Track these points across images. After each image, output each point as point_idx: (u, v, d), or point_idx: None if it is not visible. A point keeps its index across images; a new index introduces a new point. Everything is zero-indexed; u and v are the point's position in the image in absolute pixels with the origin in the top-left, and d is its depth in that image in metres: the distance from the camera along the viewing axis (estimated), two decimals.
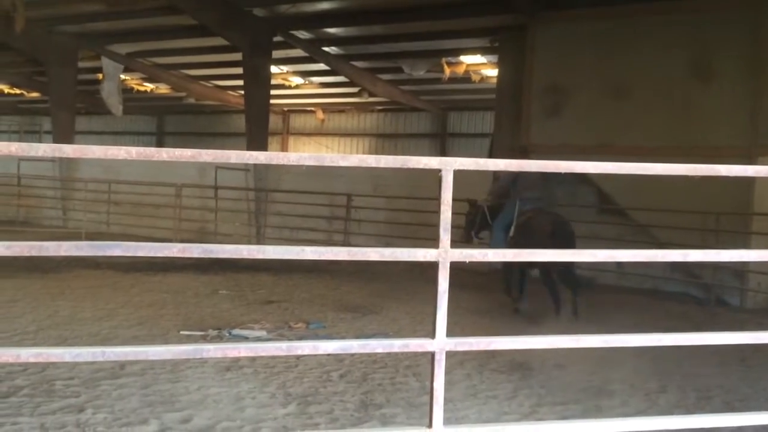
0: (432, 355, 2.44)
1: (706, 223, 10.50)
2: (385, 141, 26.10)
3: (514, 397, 5.10)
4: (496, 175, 9.68)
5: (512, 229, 8.50)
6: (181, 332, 6.76)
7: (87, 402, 4.47)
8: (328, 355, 5.88)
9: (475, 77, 17.58)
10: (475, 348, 2.60)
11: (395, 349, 2.53)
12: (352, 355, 5.94)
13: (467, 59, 16.71)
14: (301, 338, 6.53)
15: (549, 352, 5.60)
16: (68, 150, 2.16)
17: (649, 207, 10.71)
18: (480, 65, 17.13)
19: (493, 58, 15.89)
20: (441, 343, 2.44)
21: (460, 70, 16.92)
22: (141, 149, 2.25)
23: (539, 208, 8.89)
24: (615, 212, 11.76)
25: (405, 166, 2.55)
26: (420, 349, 2.51)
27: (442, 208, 2.50)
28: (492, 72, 16.88)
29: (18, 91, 26.53)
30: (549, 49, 12.45)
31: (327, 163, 2.52)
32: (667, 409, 4.95)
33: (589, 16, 12.04)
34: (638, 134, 11.31)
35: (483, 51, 16.06)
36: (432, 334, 2.46)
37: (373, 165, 2.56)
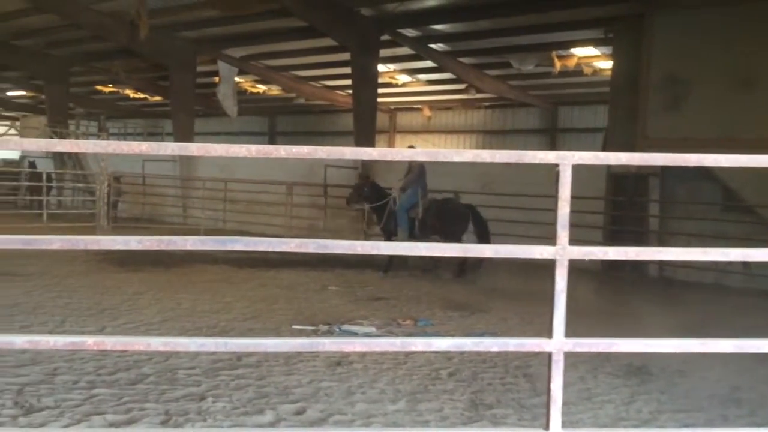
0: (549, 355, 2.37)
1: None
2: (493, 138, 25.77)
3: (631, 402, 4.87)
4: (411, 166, 11.04)
5: (420, 211, 10.68)
6: (293, 326, 6.92)
7: (207, 391, 4.66)
8: (437, 352, 5.87)
9: (587, 70, 17.05)
10: (594, 349, 2.49)
11: (510, 348, 2.46)
12: (461, 353, 5.88)
13: (579, 51, 16.23)
14: (409, 335, 6.54)
15: (670, 357, 5.32)
16: (193, 149, 2.25)
17: None
18: (592, 57, 16.59)
19: (607, 49, 15.34)
20: (559, 344, 2.35)
21: (572, 63, 16.46)
22: (260, 147, 2.31)
23: (449, 197, 11.63)
24: (742, 210, 11.05)
25: (521, 161, 2.48)
26: (537, 349, 2.43)
27: (560, 204, 2.41)
28: (605, 64, 16.31)
29: (142, 96, 28.25)
30: (668, 38, 11.85)
31: (440, 159, 2.49)
32: None
33: (713, 2, 11.37)
34: (766, 127, 10.58)
35: (596, 43, 15.54)
36: (549, 334, 2.38)
37: (488, 160, 2.51)
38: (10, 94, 32.84)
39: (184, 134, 20.00)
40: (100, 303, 7.63)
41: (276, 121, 32.01)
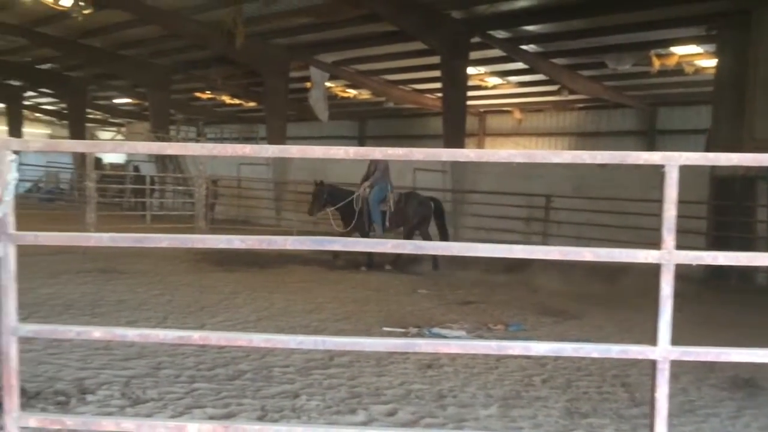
0: (654, 363, 2.27)
1: None
2: (586, 140, 25.07)
3: (738, 417, 4.62)
4: (377, 164, 11.34)
5: (392, 204, 11.30)
6: (384, 328, 6.96)
7: (301, 389, 4.75)
8: (530, 358, 5.76)
9: (688, 69, 16.31)
10: (702, 359, 2.37)
11: (612, 355, 2.38)
12: (555, 360, 5.75)
13: (679, 50, 15.56)
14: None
15: None
16: (293, 150, 2.30)
17: None
18: (694, 56, 15.87)
19: (710, 47, 14.63)
20: (664, 351, 2.26)
21: (671, 62, 15.80)
22: (357, 149, 2.33)
23: (413, 191, 12.42)
24: None
25: (624, 162, 2.40)
26: (640, 356, 2.34)
27: (666, 206, 2.32)
28: (708, 63, 15.56)
29: (237, 102, 29.22)
30: None
31: (538, 160, 2.45)
32: None
33: None
34: None
35: (698, 40, 14.86)
36: (653, 341, 2.29)
37: (588, 161, 2.44)
38: (116, 101, 34.77)
39: (277, 138, 20.52)
40: (199, 301, 7.93)
41: (366, 125, 32.35)
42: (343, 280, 10.33)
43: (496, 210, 14.69)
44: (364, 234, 11.41)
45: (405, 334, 6.80)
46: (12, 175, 2.20)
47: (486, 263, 11.52)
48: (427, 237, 11.83)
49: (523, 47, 16.89)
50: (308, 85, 21.47)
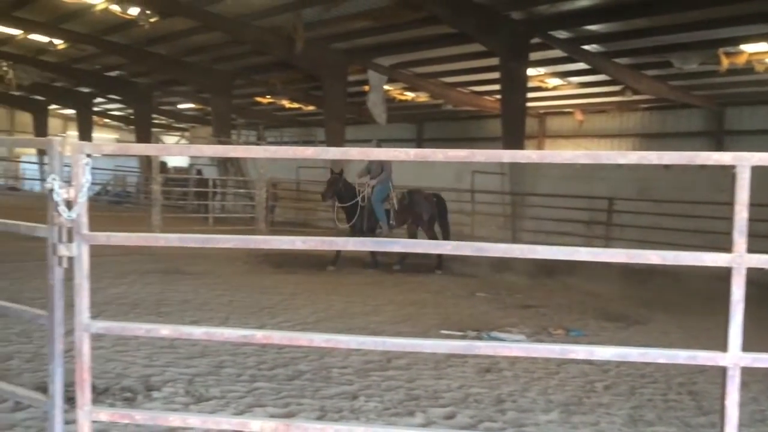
0: (724, 370, 2.20)
1: None
2: (651, 141, 24.43)
3: None
4: (379, 164, 11.34)
5: (396, 203, 11.34)
6: (441, 331, 6.93)
7: (359, 390, 4.78)
8: (592, 364, 5.65)
9: (759, 67, 15.70)
10: None
11: (680, 361, 2.31)
12: (618, 366, 5.62)
13: (749, 48, 15.00)
14: None
15: None
16: (354, 152, 2.32)
17: None
18: (765, 53, 15.28)
19: None
20: (735, 358, 2.18)
21: (741, 60, 15.24)
22: (418, 150, 2.33)
23: (415, 189, 12.25)
24: None
25: (692, 163, 2.34)
26: (710, 363, 2.26)
27: (737, 208, 2.24)
28: None
29: (297, 106, 29.64)
30: None
31: (603, 161, 2.40)
32: None
33: None
34: None
35: None
36: (724, 347, 2.21)
37: (655, 162, 2.37)
38: (180, 106, 35.76)
39: (336, 141, 20.71)
40: (260, 302, 8.06)
41: (423, 127, 32.33)
42: (400, 282, 10.33)
43: (556, 213, 14.46)
44: (364, 232, 11.31)
45: (463, 338, 6.76)
46: (85, 178, 2.29)
47: (544, 267, 11.37)
48: (432, 235, 11.86)
49: (585, 47, 16.59)
50: (366, 88, 21.60)
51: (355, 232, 11.41)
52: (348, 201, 11.46)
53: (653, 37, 15.49)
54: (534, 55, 16.67)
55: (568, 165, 13.74)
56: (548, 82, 20.80)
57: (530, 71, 17.82)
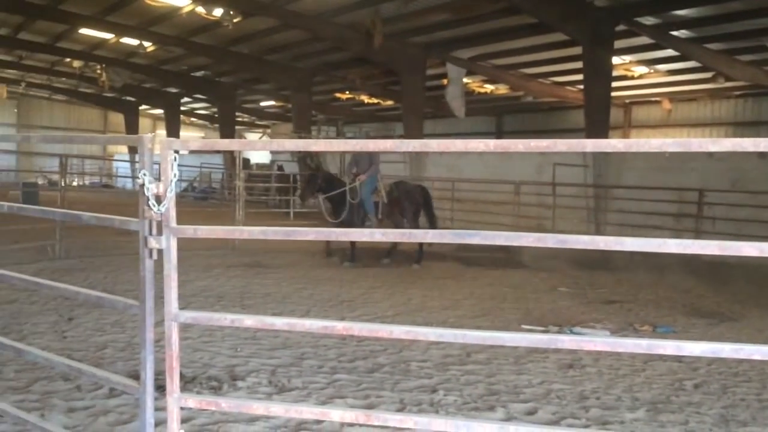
0: None
1: None
2: (745, 130, 23.25)
3: None
4: (368, 157, 11.13)
5: (384, 195, 11.14)
6: (522, 326, 6.83)
7: (438, 384, 4.77)
8: (680, 362, 5.44)
9: None
10: None
11: None
12: (709, 364, 5.40)
13: None
14: None
15: None
16: (433, 145, 2.30)
17: None
18: None
19: None
20: None
21: None
22: (498, 141, 2.29)
23: (400, 180, 12.17)
24: None
25: None
26: None
27: None
28: None
29: (375, 101, 29.81)
30: None
31: (694, 148, 2.29)
32: None
33: None
34: None
35: None
36: None
37: (750, 149, 2.25)
38: (262, 104, 36.61)
39: (415, 135, 20.65)
40: (339, 295, 8.17)
41: (503, 120, 31.91)
42: (480, 276, 10.24)
43: (643, 206, 13.97)
44: (355, 225, 10.86)
45: (545, 333, 6.64)
46: (173, 173, 2.37)
47: (628, 261, 11.02)
48: (416, 226, 11.47)
49: (674, 33, 15.92)
50: (445, 81, 21.48)
51: (345, 226, 11.03)
52: (335, 195, 11.07)
53: (749, 21, 14.69)
54: (619, 43, 16.13)
55: (656, 155, 13.23)
56: (634, 70, 20.11)
57: (615, 59, 17.24)
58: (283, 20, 18.28)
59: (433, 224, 11.83)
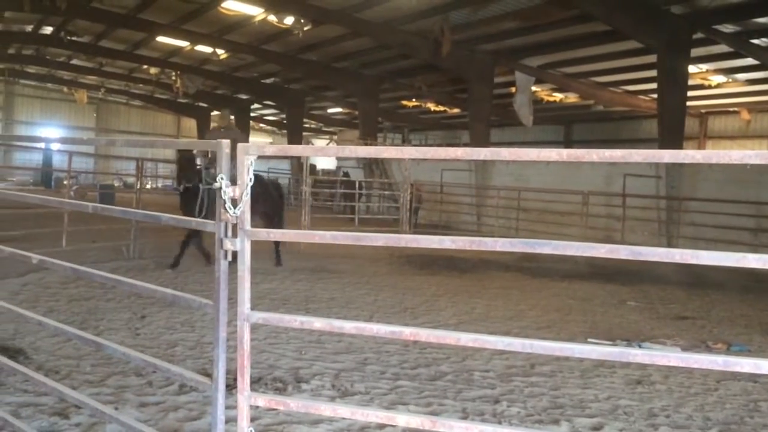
0: None
1: None
2: None
3: None
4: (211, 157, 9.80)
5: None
6: (589, 340, 6.69)
7: (501, 395, 4.72)
8: (756, 382, 5.22)
9: None
10: None
11: None
12: None
13: None
14: None
15: None
16: (505, 153, 2.30)
17: None
18: None
19: None
20: None
21: None
22: (571, 151, 2.27)
23: (256, 175, 10.51)
24: None
25: None
26: None
27: None
28: None
29: (441, 108, 29.80)
30: None
31: None
32: None
33: None
34: None
35: None
36: None
37: None
38: (330, 111, 37.11)
39: (481, 143, 20.58)
40: (403, 302, 8.18)
41: (571, 129, 31.39)
42: (544, 287, 10.08)
43: (718, 220, 13.49)
44: (195, 233, 9.66)
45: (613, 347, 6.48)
46: (249, 177, 2.44)
47: (700, 277, 10.66)
48: (269, 224, 10.30)
49: (755, 41, 15.36)
50: (513, 89, 21.30)
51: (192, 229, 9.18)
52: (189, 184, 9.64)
53: None
54: (695, 51, 15.68)
55: (733, 167, 12.78)
56: (711, 79, 19.48)
57: (691, 68, 16.75)
58: (351, 28, 18.52)
59: (280, 223, 10.98)
